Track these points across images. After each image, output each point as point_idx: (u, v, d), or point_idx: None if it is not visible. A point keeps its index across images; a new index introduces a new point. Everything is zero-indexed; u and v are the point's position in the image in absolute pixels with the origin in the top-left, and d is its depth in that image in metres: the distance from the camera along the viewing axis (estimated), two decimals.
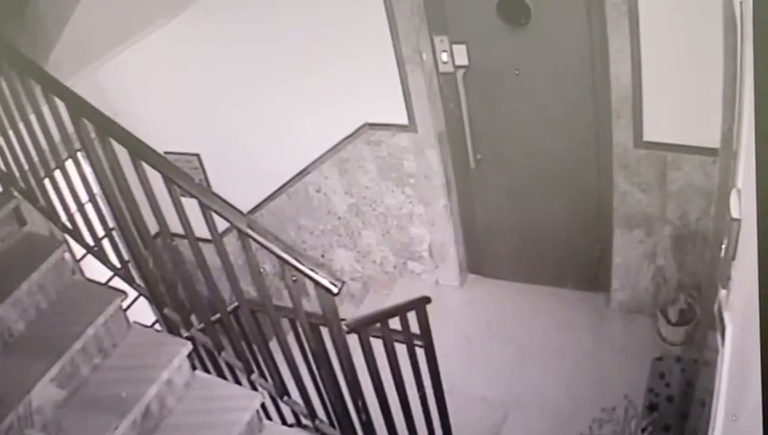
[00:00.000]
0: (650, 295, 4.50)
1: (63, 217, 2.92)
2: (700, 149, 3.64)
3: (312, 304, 2.51)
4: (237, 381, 3.13)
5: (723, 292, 1.97)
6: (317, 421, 2.81)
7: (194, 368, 2.82)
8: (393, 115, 4.50)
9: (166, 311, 2.86)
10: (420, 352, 3.12)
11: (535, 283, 5.01)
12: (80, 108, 2.41)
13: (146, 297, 3.02)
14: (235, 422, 2.58)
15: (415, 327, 3.05)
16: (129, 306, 3.80)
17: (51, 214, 2.91)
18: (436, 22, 4.14)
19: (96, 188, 2.76)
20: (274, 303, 2.56)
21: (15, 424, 2.26)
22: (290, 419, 3.52)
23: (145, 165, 2.37)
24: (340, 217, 4.99)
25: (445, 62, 4.29)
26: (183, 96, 4.02)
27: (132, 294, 3.01)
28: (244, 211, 2.32)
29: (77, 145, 2.56)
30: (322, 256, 5.00)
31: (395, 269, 5.35)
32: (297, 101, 4.24)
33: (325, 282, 2.14)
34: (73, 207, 2.90)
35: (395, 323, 2.99)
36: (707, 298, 3.02)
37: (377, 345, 2.83)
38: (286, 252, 2.18)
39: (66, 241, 3.04)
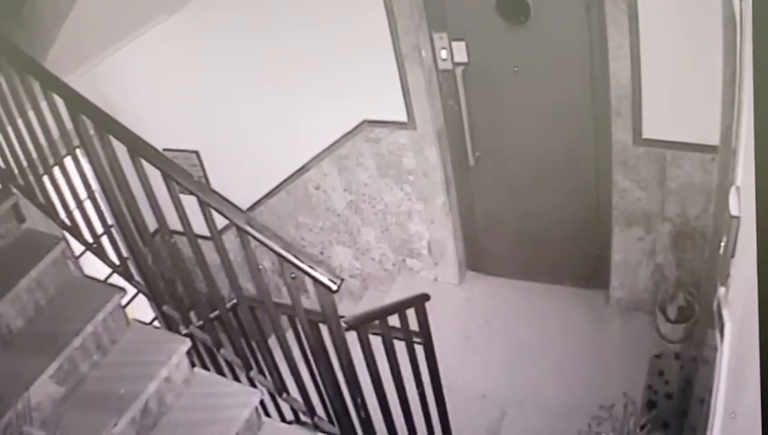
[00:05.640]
0: (649, 293, 4.50)
1: (62, 214, 2.92)
2: (699, 146, 3.64)
3: (311, 302, 2.52)
4: (236, 379, 3.13)
5: (722, 289, 1.98)
6: (316, 418, 2.82)
7: (193, 365, 2.82)
8: (392, 112, 4.50)
9: (165, 308, 2.86)
10: (419, 350, 3.12)
11: (534, 280, 5.01)
12: (78, 104, 2.41)
13: (145, 294, 3.02)
14: (233, 419, 2.58)
15: (414, 324, 3.05)
16: (128, 303, 3.81)
17: (50, 211, 2.91)
18: (436, 19, 4.14)
19: (95, 185, 2.76)
20: (273, 300, 2.56)
21: (14, 421, 2.26)
22: (289, 416, 3.52)
23: (144, 162, 2.37)
24: (339, 215, 4.99)
25: (444, 60, 4.28)
26: (182, 93, 4.01)
27: (131, 291, 3.01)
28: (244, 208, 2.32)
29: (76, 142, 2.56)
30: (321, 254, 5.00)
31: (394, 266, 5.35)
32: (296, 97, 4.24)
33: (324, 279, 2.14)
34: (72, 204, 2.89)
35: (394, 321, 2.99)
36: (706, 296, 3.02)
37: (376, 342, 2.83)
38: (285, 249, 2.18)
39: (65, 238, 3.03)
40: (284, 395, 2.80)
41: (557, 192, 4.56)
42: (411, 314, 3.04)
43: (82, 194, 2.84)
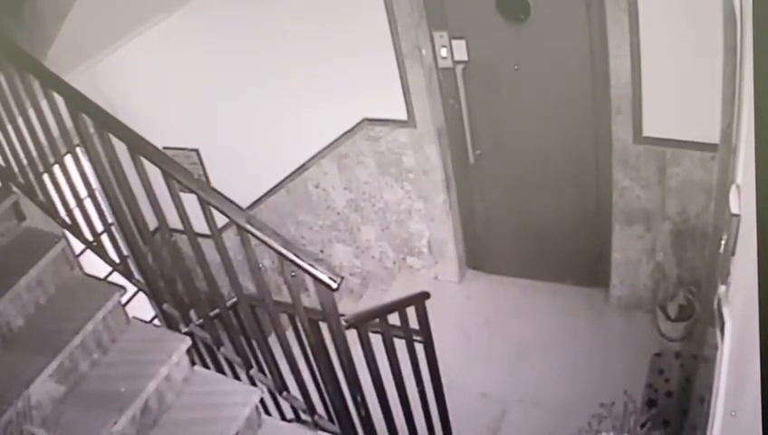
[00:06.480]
0: (649, 291, 4.50)
1: (62, 213, 2.92)
2: (700, 144, 3.64)
3: (311, 300, 2.52)
4: (236, 377, 3.13)
5: (722, 288, 1.98)
6: (316, 417, 2.82)
7: (193, 363, 2.82)
8: (392, 110, 4.50)
9: (165, 306, 2.86)
10: (419, 348, 3.12)
11: (534, 278, 5.01)
12: (78, 103, 2.41)
13: (145, 293, 3.02)
14: (233, 418, 2.58)
15: (414, 323, 3.05)
16: (128, 302, 3.81)
17: (50, 209, 2.90)
18: (436, 17, 4.14)
19: (95, 184, 2.76)
20: (273, 298, 2.56)
21: (14, 420, 2.26)
22: (289, 414, 3.52)
23: (144, 160, 2.37)
24: (339, 213, 4.98)
25: (444, 58, 4.28)
26: (182, 91, 4.01)
27: (131, 289, 3.01)
28: (244, 206, 2.32)
29: (76, 140, 2.55)
30: (321, 252, 5.00)
31: (394, 265, 5.35)
32: (296, 96, 4.23)
33: (324, 277, 2.14)
34: (72, 203, 2.89)
35: (394, 319, 2.99)
36: (707, 294, 3.02)
37: (376, 341, 2.83)
38: (285, 247, 2.18)
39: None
40: (284, 393, 2.80)
41: (557, 190, 4.55)
42: (411, 312, 3.04)
43: (82, 192, 2.84)
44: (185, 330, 2.84)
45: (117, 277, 3.07)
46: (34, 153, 2.78)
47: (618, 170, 4.10)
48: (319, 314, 2.35)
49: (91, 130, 2.46)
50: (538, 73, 4.12)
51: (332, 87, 4.30)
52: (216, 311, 2.77)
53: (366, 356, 2.73)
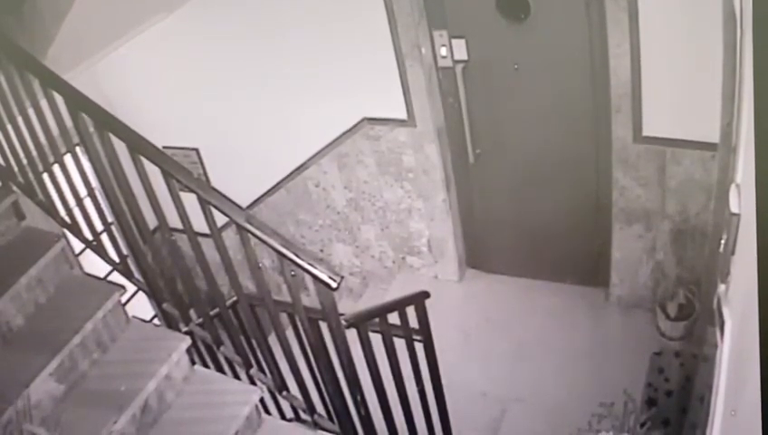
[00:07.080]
0: (649, 290, 4.50)
1: (62, 212, 2.92)
2: (699, 143, 3.64)
3: (311, 299, 2.52)
4: (236, 376, 3.13)
5: (722, 287, 1.98)
6: (316, 416, 2.82)
7: (193, 363, 2.82)
8: (392, 110, 4.49)
9: (165, 305, 2.86)
10: (419, 347, 3.12)
11: (534, 278, 5.01)
12: (78, 102, 2.40)
13: (145, 292, 3.02)
14: (233, 417, 2.58)
15: (414, 322, 3.05)
16: (127, 301, 3.81)
17: (49, 208, 2.90)
18: (436, 16, 4.14)
19: (95, 183, 2.76)
20: (273, 297, 2.56)
21: (14, 419, 2.26)
22: (289, 413, 3.52)
23: (144, 159, 2.37)
24: (338, 212, 4.99)
25: (444, 57, 4.28)
26: (182, 90, 4.01)
27: (131, 288, 3.01)
28: (243, 206, 2.32)
29: (75, 139, 2.55)
30: (321, 251, 5.00)
31: (394, 264, 5.35)
32: (296, 95, 4.23)
33: (324, 276, 2.14)
34: (72, 202, 2.89)
35: (394, 318, 2.99)
36: (706, 293, 3.02)
37: (376, 340, 2.83)
38: (285, 247, 2.18)
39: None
40: (284, 393, 2.80)
41: (557, 190, 4.56)
42: (411, 311, 3.04)
43: (82, 192, 2.84)
44: (185, 329, 2.84)
45: (117, 277, 3.07)
46: (34, 152, 2.78)
47: (618, 170, 4.10)
48: (319, 313, 2.35)
49: (91, 129, 2.45)
50: (538, 73, 4.12)
51: (332, 87, 4.30)
52: (216, 310, 2.77)
53: (366, 356, 2.73)
